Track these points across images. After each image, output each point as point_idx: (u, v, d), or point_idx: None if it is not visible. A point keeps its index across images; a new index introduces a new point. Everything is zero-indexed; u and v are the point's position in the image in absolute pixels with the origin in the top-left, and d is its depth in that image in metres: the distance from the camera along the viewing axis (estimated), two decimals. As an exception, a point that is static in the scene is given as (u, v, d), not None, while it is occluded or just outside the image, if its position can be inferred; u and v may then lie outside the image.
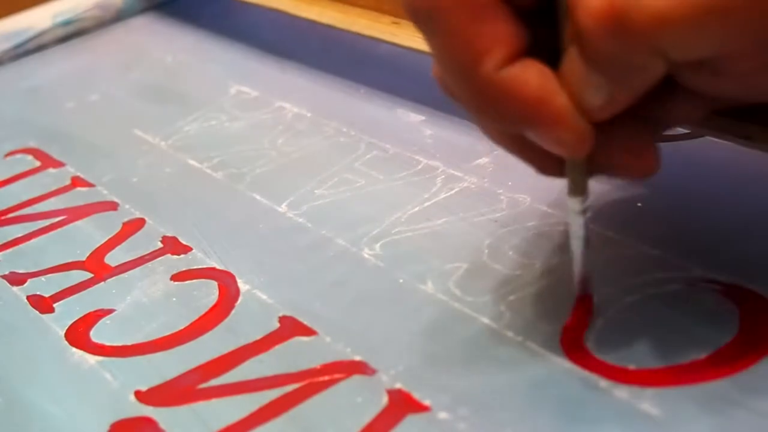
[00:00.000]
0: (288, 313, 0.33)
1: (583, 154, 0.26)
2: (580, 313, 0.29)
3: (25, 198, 0.44)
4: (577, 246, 0.29)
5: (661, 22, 0.23)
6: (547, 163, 0.28)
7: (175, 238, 0.38)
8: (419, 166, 0.40)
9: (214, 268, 0.36)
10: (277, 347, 0.31)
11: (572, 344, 0.28)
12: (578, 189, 0.28)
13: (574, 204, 0.28)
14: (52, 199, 0.43)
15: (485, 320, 0.30)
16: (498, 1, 0.25)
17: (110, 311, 0.35)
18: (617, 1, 0.23)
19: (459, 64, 0.26)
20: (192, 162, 0.44)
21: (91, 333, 0.34)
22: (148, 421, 0.29)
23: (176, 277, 0.36)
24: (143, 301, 0.35)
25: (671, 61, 0.24)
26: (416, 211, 0.37)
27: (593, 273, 0.29)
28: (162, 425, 0.29)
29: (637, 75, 0.24)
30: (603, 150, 0.26)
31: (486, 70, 0.25)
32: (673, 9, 0.23)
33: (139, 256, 0.38)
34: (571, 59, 0.25)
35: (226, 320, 0.33)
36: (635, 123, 0.26)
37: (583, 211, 0.28)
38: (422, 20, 0.26)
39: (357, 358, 0.30)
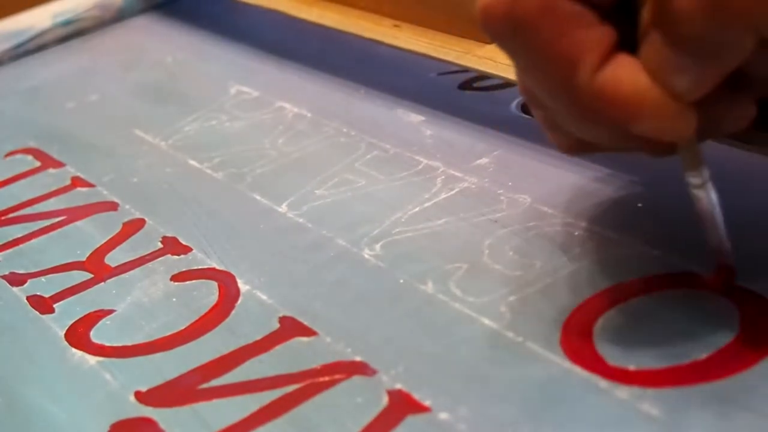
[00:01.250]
0: (288, 314, 0.33)
1: (689, 134, 0.26)
2: (719, 276, 0.29)
3: (25, 198, 0.44)
4: (708, 219, 0.28)
5: (752, 4, 0.23)
6: (657, 147, 0.28)
7: (175, 239, 0.38)
8: (419, 167, 0.40)
9: (214, 269, 0.36)
10: (277, 348, 0.31)
11: (573, 345, 0.28)
12: (693, 163, 0.28)
13: (693, 179, 0.28)
14: (52, 200, 0.43)
15: (485, 321, 0.30)
16: (581, 8, 0.25)
17: (110, 312, 0.35)
18: None
19: (552, 78, 0.26)
20: (192, 162, 0.44)
21: (92, 333, 0.34)
22: (148, 422, 0.29)
23: (176, 278, 0.36)
24: (143, 302, 0.35)
25: (760, 37, 0.24)
26: (416, 212, 0.37)
27: (728, 242, 0.29)
28: (162, 426, 0.29)
29: (729, 53, 0.24)
30: (707, 115, 0.26)
31: (581, 79, 0.25)
32: None
33: (139, 256, 0.38)
34: (653, 45, 0.25)
35: (227, 321, 0.33)
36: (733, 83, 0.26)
37: (703, 184, 0.28)
38: (506, 38, 0.26)
39: (357, 358, 0.30)
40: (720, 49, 0.24)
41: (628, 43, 0.26)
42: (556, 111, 0.27)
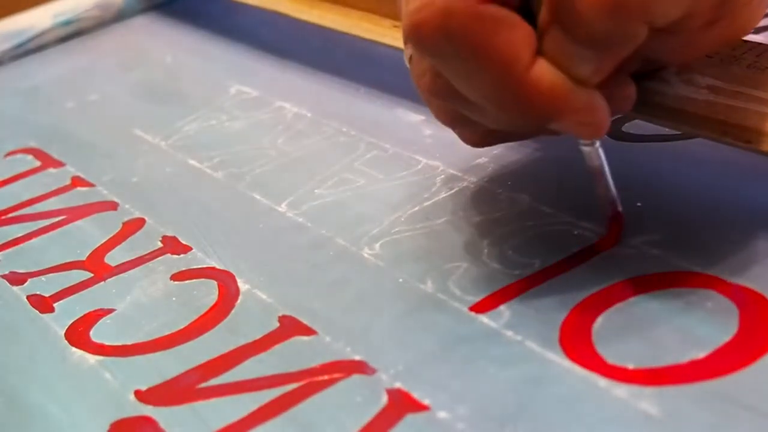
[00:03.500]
0: (288, 313, 0.33)
1: (606, 129, 0.29)
2: (613, 230, 0.32)
3: (25, 198, 0.44)
4: (597, 172, 0.31)
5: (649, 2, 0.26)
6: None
7: (175, 238, 0.38)
8: (419, 166, 0.40)
9: (213, 268, 0.36)
10: (276, 347, 0.31)
11: (572, 343, 0.29)
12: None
13: (585, 146, 0.31)
14: (52, 199, 0.43)
15: (484, 320, 0.30)
16: (506, 11, 0.27)
17: (110, 311, 0.35)
18: None
19: (487, 78, 0.27)
20: (192, 162, 0.44)
21: (91, 332, 0.34)
22: (147, 421, 0.29)
23: (176, 277, 0.36)
24: (143, 301, 0.35)
25: (653, 27, 0.27)
26: (416, 211, 0.37)
27: (614, 191, 0.32)
28: (162, 425, 0.29)
29: (626, 45, 0.28)
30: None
31: (516, 76, 0.27)
32: None
33: (139, 255, 0.38)
34: (555, 40, 0.27)
35: (226, 320, 0.33)
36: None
37: (594, 146, 0.31)
38: (440, 49, 0.28)
39: (356, 357, 0.30)
40: (617, 41, 0.27)
41: None
42: (481, 109, 0.29)
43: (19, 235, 0.41)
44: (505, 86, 0.27)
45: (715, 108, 0.31)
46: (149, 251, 0.38)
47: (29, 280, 0.38)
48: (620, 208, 0.32)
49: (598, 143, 0.31)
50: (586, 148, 0.31)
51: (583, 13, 0.26)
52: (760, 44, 0.33)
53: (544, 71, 0.27)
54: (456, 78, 0.29)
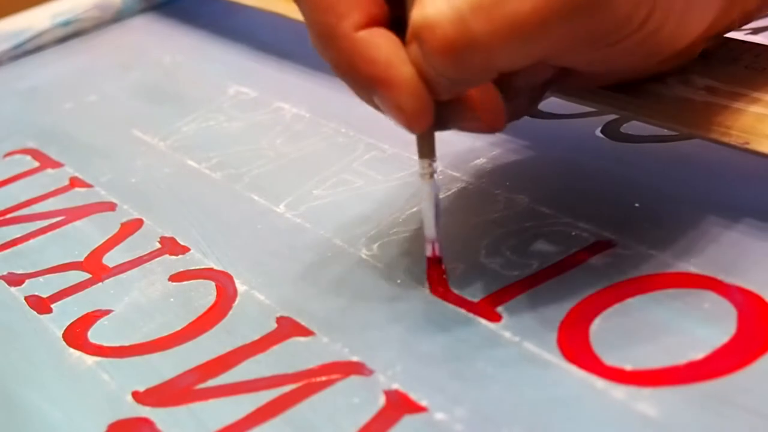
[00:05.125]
0: (285, 314, 0.33)
1: (422, 126, 0.29)
2: (434, 277, 0.32)
3: (23, 198, 0.44)
4: (427, 208, 0.31)
5: (492, 55, 0.26)
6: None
7: (173, 239, 0.38)
8: (417, 167, 0.39)
9: (211, 269, 0.36)
10: (274, 348, 0.31)
11: (569, 345, 0.29)
12: (425, 151, 0.30)
13: (423, 166, 0.30)
14: (51, 200, 0.43)
15: (482, 321, 0.30)
16: None
17: (108, 312, 0.35)
18: (453, 38, 0.26)
19: (322, 26, 0.29)
20: (190, 162, 0.44)
21: (89, 333, 0.34)
22: (145, 422, 0.29)
23: (174, 278, 0.36)
24: (141, 302, 0.35)
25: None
26: (414, 212, 0.37)
27: (438, 236, 0.31)
28: (159, 426, 0.29)
29: (474, 83, 0.28)
30: (451, 103, 0.29)
31: (344, 30, 0.28)
32: (499, 39, 0.26)
33: (137, 256, 0.38)
34: (414, 54, 0.28)
35: (224, 321, 0.33)
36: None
37: (431, 174, 0.30)
38: None
39: (354, 358, 0.30)
40: (465, 82, 0.28)
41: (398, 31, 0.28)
42: (328, 61, 0.29)
43: (17, 235, 0.41)
44: (328, 38, 0.28)
45: (714, 109, 0.31)
46: (147, 252, 0.38)
47: (27, 281, 0.38)
48: (439, 252, 0.31)
49: (435, 176, 0.30)
50: (424, 178, 0.30)
51: (429, 55, 0.27)
52: (758, 45, 0.33)
53: (375, 37, 0.28)
54: (306, 24, 0.29)
